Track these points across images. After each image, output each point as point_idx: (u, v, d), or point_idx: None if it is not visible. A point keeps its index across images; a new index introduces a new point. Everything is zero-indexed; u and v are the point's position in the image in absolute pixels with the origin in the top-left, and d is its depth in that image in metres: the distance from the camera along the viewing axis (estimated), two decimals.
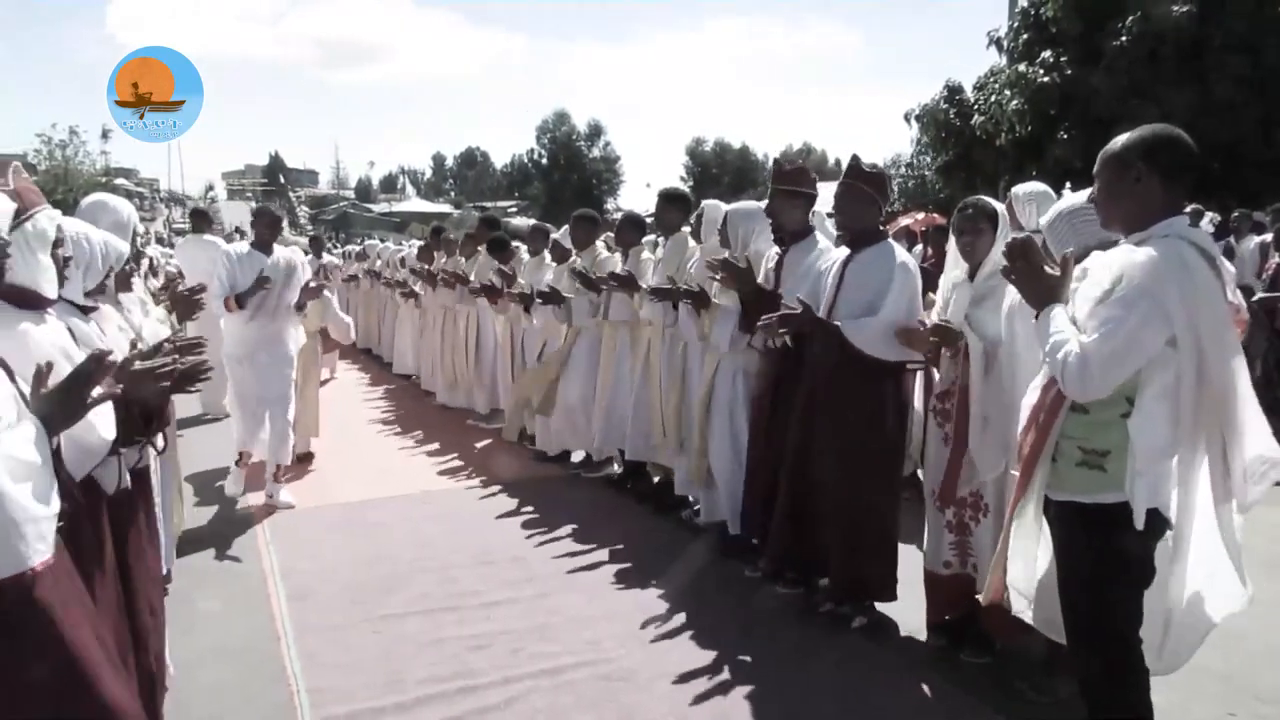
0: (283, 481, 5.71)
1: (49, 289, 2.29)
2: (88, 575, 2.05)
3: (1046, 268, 2.40)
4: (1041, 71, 18.10)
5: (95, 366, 1.85)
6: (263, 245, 5.68)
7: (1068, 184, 4.44)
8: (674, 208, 5.63)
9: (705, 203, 5.25)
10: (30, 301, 2.25)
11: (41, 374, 1.82)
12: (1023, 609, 2.63)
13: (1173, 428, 2.25)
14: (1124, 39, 16.84)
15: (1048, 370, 2.36)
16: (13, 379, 1.79)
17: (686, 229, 5.44)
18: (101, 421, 2.05)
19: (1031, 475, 2.43)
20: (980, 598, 2.83)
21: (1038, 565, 2.55)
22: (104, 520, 2.34)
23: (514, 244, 8.01)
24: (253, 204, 34.67)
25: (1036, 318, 2.38)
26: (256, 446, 5.73)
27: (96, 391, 1.88)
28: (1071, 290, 2.39)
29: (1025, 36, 19.21)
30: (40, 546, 1.67)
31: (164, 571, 3.98)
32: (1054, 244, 2.95)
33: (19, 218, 2.14)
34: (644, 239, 6.29)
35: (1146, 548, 2.30)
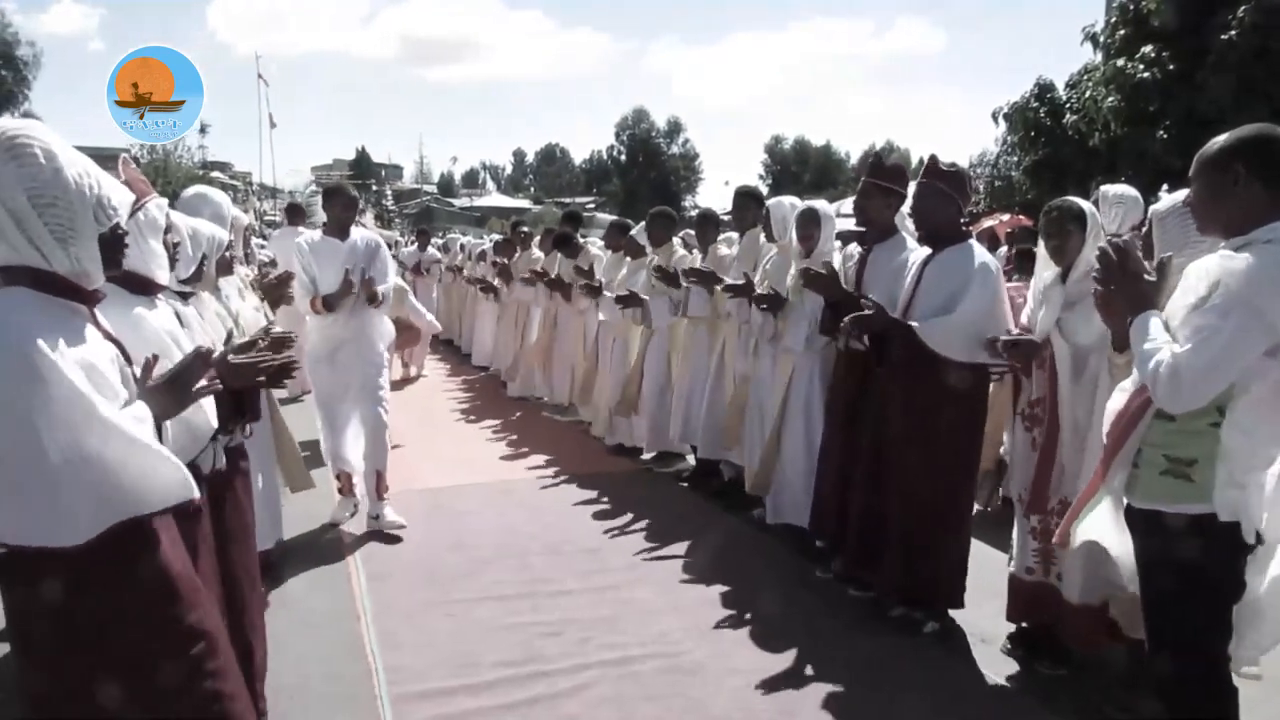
0: (386, 497, 4.99)
1: (161, 275, 2.43)
2: (190, 552, 2.17)
3: (1142, 272, 2.33)
4: (1141, 67, 17.38)
5: (198, 363, 1.98)
6: (338, 229, 5.00)
7: (1164, 186, 4.29)
8: (749, 204, 5.65)
9: (770, 201, 5.21)
10: (144, 287, 2.39)
11: (149, 365, 1.94)
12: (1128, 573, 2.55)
13: (1270, 439, 2.16)
14: (1234, 32, 16.04)
15: (1137, 377, 2.29)
16: (129, 361, 1.91)
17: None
18: (207, 407, 2.17)
19: (1108, 476, 2.37)
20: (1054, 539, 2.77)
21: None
22: (203, 501, 2.47)
23: (584, 240, 8.13)
24: None
25: (1131, 324, 2.31)
26: (351, 457, 5.11)
27: (198, 385, 2.00)
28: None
29: (1124, 32, 18.49)
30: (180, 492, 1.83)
31: (272, 545, 4.15)
32: (1162, 240, 2.85)
33: (133, 207, 2.26)
34: (720, 236, 6.30)
35: (1235, 560, 2.21)
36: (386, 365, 5.17)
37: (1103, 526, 2.52)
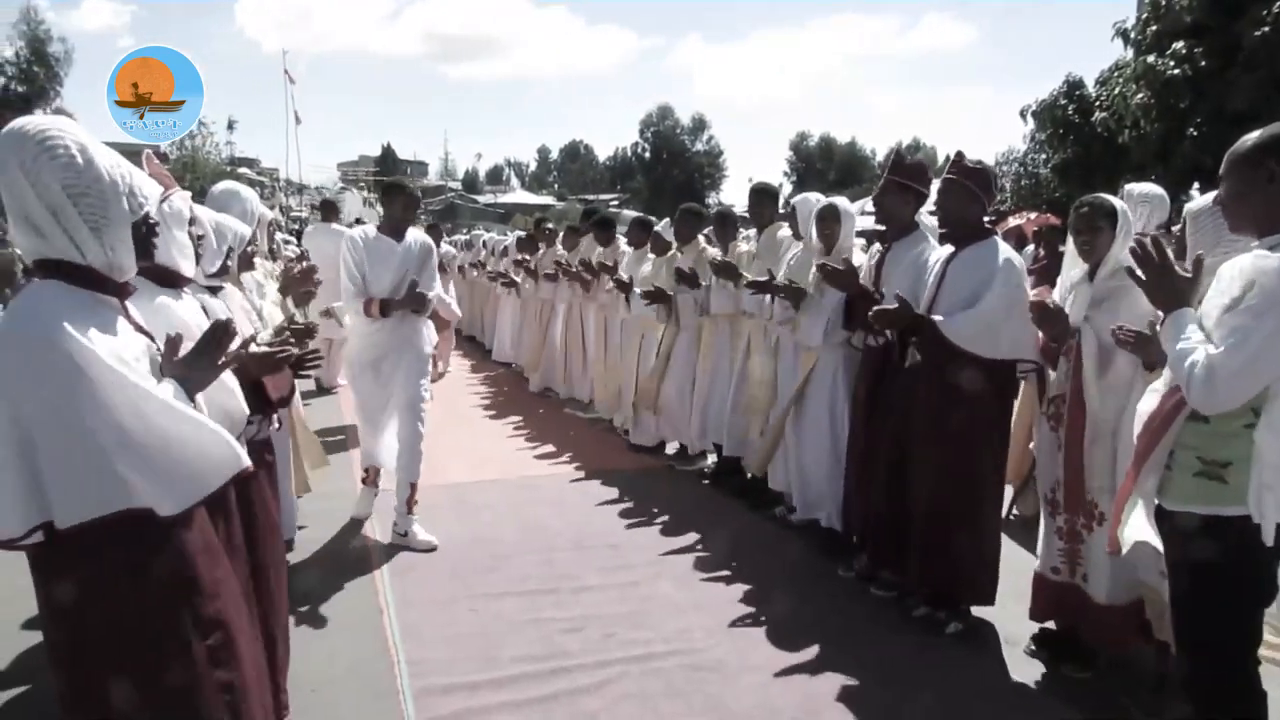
0: (415, 512, 4.79)
1: (186, 267, 2.46)
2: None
3: (1177, 268, 2.28)
4: (1172, 64, 17.14)
5: (221, 331, 2.01)
6: (395, 229, 4.77)
7: (1195, 184, 4.24)
8: (765, 201, 5.63)
9: (796, 198, 5.19)
10: (170, 279, 2.41)
11: (172, 343, 1.97)
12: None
13: None
14: (1266, 29, 15.76)
15: (1170, 377, 2.26)
16: (159, 349, 1.93)
17: (781, 223, 5.44)
18: (238, 394, 2.19)
19: (1138, 479, 2.34)
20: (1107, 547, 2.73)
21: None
22: (230, 494, 2.49)
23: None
24: (365, 193, 35.65)
25: (1162, 322, 2.28)
26: (384, 458, 5.03)
27: (225, 355, 2.03)
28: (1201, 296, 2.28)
29: (1155, 28, 18.25)
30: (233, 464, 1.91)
31: (286, 539, 4.19)
32: (1196, 238, 2.82)
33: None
34: (741, 235, 6.30)
35: (1269, 564, 2.18)
36: (429, 374, 4.98)
37: (1147, 526, 2.47)
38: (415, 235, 4.86)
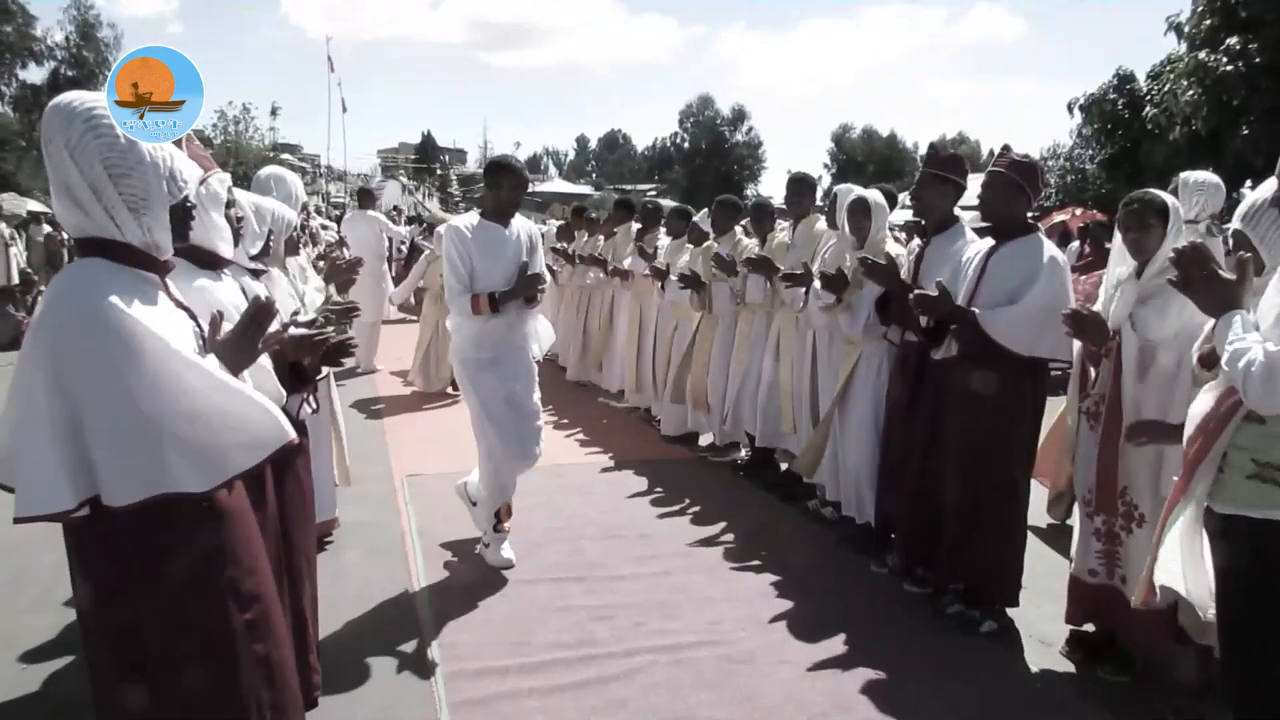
0: (506, 529, 4.41)
1: (225, 248, 2.49)
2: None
3: (1221, 272, 2.20)
4: (1225, 59, 16.70)
5: (261, 313, 2.00)
6: (501, 213, 4.21)
7: (1248, 182, 4.13)
8: (803, 191, 5.56)
9: (839, 187, 5.13)
10: (208, 261, 2.44)
11: (216, 323, 1.98)
12: (1202, 610, 2.45)
13: None
14: None
15: (1224, 379, 2.20)
16: (200, 329, 1.96)
17: (818, 215, 5.38)
18: (273, 373, 2.21)
19: (1191, 483, 2.29)
20: (1132, 601, 2.68)
21: (1207, 572, 2.37)
22: (267, 472, 2.52)
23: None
24: (403, 179, 35.71)
25: (1215, 325, 2.21)
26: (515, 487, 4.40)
27: (266, 334, 2.04)
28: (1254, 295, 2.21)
29: (1210, 21, 17.78)
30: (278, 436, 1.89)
31: (330, 517, 4.22)
32: (1255, 237, 2.73)
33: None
34: (780, 227, 6.25)
35: None
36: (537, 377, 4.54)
37: (1176, 569, 2.41)
38: (521, 222, 4.33)
